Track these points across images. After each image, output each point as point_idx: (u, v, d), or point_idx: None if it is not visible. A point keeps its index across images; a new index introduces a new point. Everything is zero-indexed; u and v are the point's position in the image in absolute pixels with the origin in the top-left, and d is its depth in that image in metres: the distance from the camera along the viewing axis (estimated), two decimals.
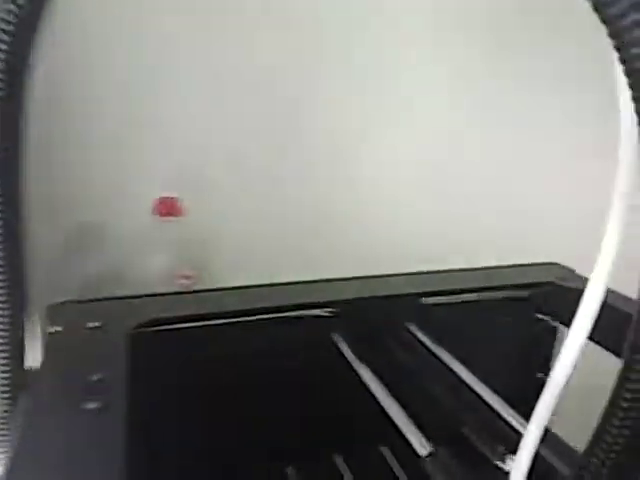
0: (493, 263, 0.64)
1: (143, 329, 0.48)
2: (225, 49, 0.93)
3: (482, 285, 0.58)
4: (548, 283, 0.60)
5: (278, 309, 0.52)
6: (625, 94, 0.23)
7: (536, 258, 0.66)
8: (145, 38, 0.88)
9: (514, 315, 0.60)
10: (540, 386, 0.62)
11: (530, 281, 0.60)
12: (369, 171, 1.06)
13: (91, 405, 0.35)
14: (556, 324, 0.60)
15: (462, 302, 0.57)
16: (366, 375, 0.49)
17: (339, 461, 0.57)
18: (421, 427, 0.43)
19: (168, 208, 0.93)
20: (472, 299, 0.58)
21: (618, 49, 0.21)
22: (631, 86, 0.22)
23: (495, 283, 0.59)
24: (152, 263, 0.95)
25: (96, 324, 0.46)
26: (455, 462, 0.40)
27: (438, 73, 1.04)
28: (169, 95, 0.93)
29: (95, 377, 0.38)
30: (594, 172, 1.18)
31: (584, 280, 0.60)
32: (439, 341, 0.54)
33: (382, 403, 0.45)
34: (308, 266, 0.87)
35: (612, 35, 0.21)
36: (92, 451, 0.32)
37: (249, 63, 0.94)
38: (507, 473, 0.37)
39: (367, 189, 1.06)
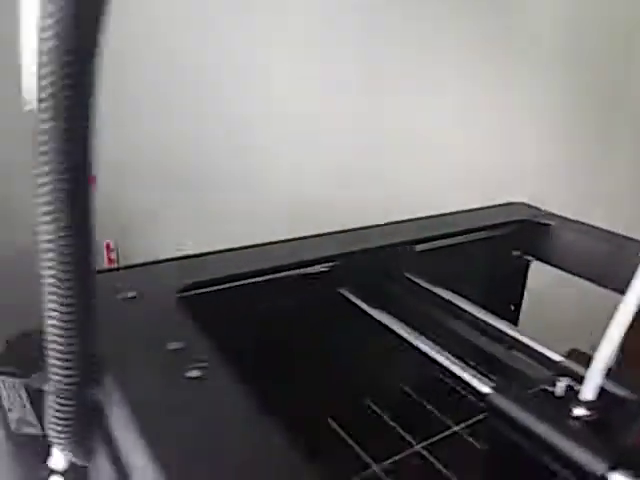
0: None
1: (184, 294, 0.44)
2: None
3: (463, 228, 0.60)
4: (523, 221, 0.63)
5: (292, 266, 0.51)
6: None
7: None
8: None
9: (493, 253, 0.62)
10: (514, 316, 0.66)
11: (506, 220, 0.63)
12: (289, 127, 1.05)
13: (193, 373, 0.33)
14: (529, 258, 0.63)
15: (446, 246, 0.59)
16: (392, 323, 0.49)
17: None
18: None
19: None
20: (453, 242, 0.59)
21: None
22: None
23: (474, 225, 0.61)
24: None
25: (131, 294, 0.42)
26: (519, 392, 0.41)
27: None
28: None
29: (174, 346, 0.36)
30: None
31: (553, 216, 0.64)
32: (435, 284, 0.55)
33: (420, 348, 0.46)
34: (229, 231, 0.85)
35: None
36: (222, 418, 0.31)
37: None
38: (561, 397, 0.40)
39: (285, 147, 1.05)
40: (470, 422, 0.56)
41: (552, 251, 0.61)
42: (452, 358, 0.44)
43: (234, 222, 0.98)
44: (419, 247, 0.57)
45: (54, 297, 0.28)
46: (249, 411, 0.31)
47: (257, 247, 0.55)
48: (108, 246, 0.89)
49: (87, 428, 0.36)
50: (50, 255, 0.27)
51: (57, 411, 0.34)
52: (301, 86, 1.04)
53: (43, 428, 0.65)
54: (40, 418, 0.65)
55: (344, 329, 0.52)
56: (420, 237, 0.58)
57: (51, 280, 0.28)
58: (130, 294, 0.42)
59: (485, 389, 0.41)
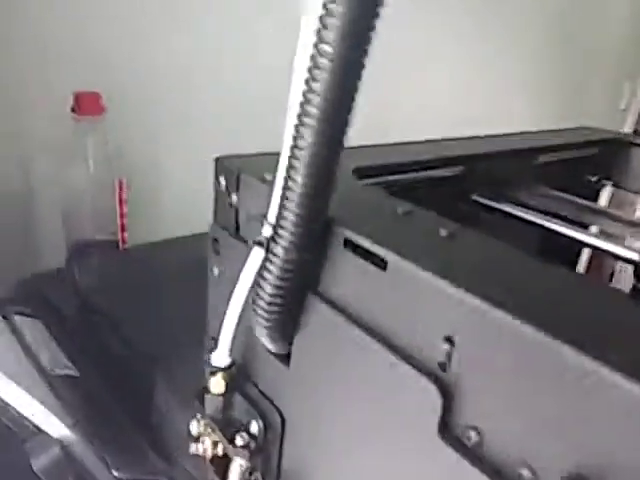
0: None
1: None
2: None
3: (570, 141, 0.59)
4: (615, 140, 0.62)
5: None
6: None
7: None
8: None
9: (576, 173, 0.61)
10: None
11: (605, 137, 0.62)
12: None
13: (444, 232, 0.31)
14: (605, 183, 0.62)
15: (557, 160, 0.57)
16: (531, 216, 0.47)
17: None
18: None
19: (89, 106, 0.78)
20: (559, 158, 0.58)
21: None
22: None
23: (575, 141, 0.59)
24: (73, 170, 0.79)
25: None
26: None
27: None
28: None
29: (403, 209, 0.33)
30: None
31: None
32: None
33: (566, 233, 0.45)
34: None
35: None
36: None
37: None
38: None
39: None
40: None
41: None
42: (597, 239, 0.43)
43: None
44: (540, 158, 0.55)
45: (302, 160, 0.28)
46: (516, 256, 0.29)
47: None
48: (121, 184, 0.81)
49: (297, 307, 0.33)
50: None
51: (276, 278, 0.30)
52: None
53: (77, 369, 0.60)
54: (72, 359, 0.59)
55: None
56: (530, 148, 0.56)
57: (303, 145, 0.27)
58: None
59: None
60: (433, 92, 1.25)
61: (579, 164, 0.59)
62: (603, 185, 0.60)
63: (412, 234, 0.31)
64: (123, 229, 0.82)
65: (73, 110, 0.77)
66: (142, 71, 0.86)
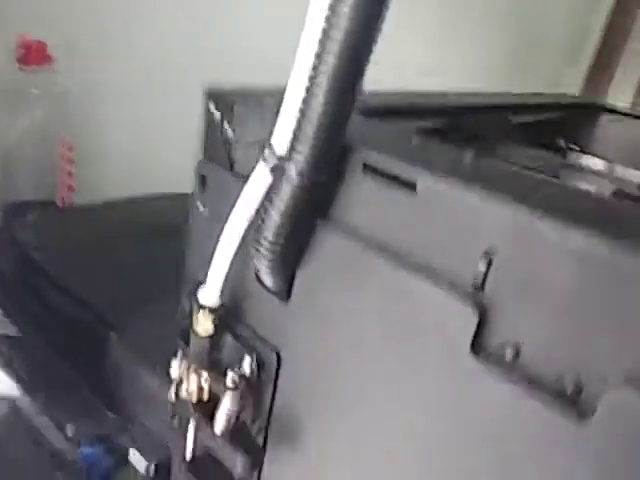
0: None
1: None
2: None
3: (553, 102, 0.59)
4: (590, 105, 0.63)
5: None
6: None
7: None
8: None
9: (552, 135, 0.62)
10: None
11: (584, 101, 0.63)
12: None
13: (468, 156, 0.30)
14: (573, 147, 0.63)
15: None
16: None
17: None
18: None
19: (35, 55, 0.73)
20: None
21: None
22: None
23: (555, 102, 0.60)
24: (15, 122, 0.74)
25: None
26: None
27: None
28: None
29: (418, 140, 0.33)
30: None
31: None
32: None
33: None
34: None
35: None
36: None
37: None
38: None
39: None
40: None
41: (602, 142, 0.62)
42: None
43: None
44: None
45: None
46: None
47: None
48: (67, 142, 0.75)
49: (304, 237, 0.31)
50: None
51: (287, 205, 0.28)
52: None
53: (19, 329, 0.57)
54: (12, 319, 0.57)
55: None
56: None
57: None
58: None
59: None
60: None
61: (551, 126, 0.60)
62: (570, 149, 0.61)
63: (435, 159, 0.30)
64: (69, 189, 0.78)
65: (19, 60, 0.73)
66: (92, 26, 0.82)
